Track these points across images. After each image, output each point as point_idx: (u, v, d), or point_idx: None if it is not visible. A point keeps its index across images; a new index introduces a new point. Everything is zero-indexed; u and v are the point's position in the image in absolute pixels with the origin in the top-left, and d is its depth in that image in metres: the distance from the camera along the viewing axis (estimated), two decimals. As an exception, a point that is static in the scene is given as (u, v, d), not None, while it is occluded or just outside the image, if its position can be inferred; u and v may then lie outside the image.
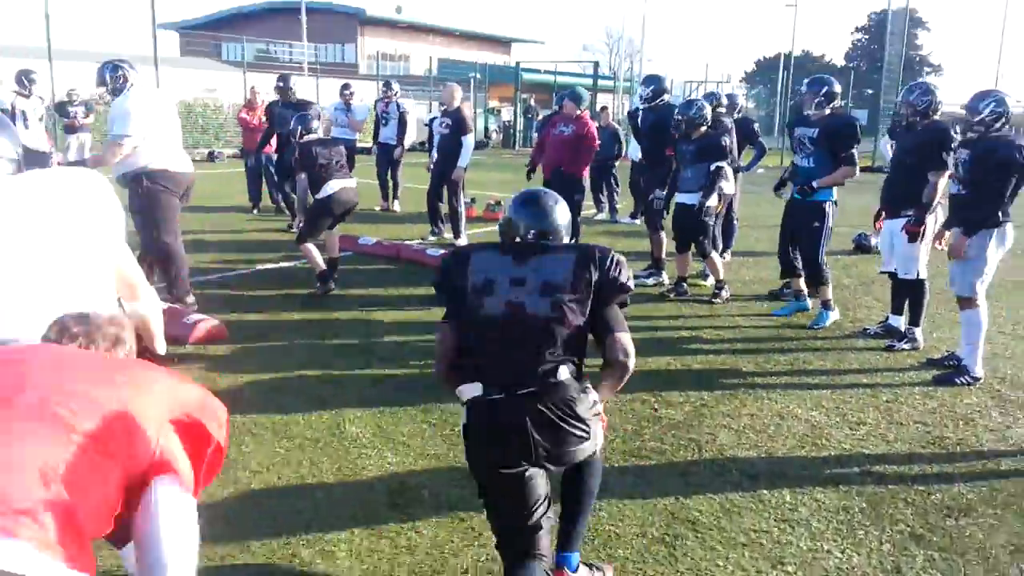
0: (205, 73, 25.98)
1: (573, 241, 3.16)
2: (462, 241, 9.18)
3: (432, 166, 9.35)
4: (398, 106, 11.14)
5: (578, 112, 7.84)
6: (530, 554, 2.47)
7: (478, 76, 29.10)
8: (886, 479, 3.69)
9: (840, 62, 56.15)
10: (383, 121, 11.40)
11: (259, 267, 7.79)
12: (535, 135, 8.87)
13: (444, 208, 9.39)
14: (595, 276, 2.60)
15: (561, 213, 2.80)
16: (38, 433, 1.50)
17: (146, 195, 5.55)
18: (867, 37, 58.18)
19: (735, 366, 5.25)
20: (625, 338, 2.60)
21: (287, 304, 6.43)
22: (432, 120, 9.66)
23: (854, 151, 5.93)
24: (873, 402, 4.66)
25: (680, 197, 6.87)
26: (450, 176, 8.95)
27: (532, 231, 2.73)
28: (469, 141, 8.96)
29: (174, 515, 1.65)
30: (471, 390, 2.55)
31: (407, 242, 8.79)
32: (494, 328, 2.54)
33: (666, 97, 7.50)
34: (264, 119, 10.41)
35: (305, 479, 3.55)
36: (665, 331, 6.03)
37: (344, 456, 3.78)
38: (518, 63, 31.37)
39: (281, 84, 9.37)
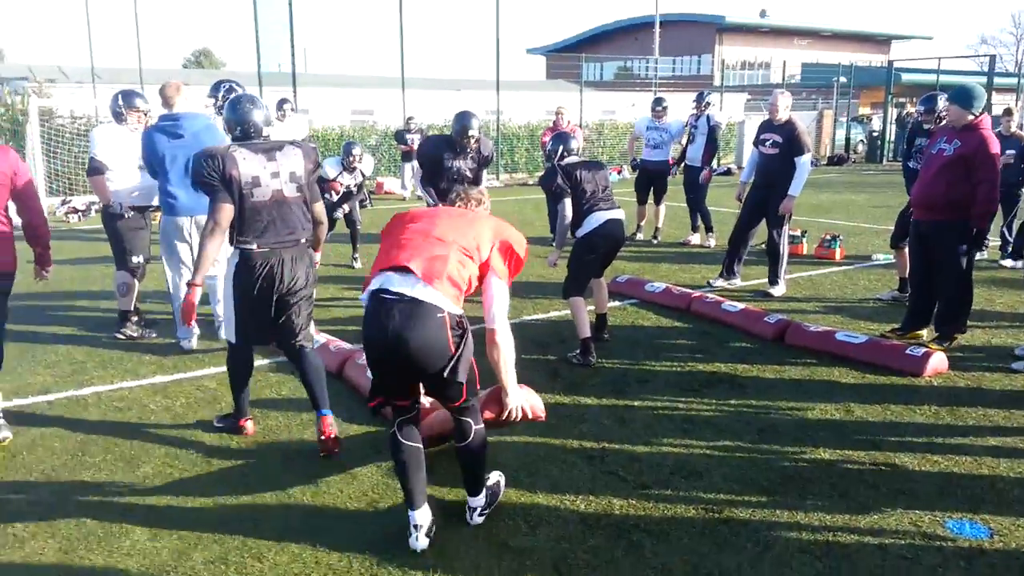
0: (560, 95, 26.27)
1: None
2: (778, 290, 7.34)
3: (745, 194, 7.56)
4: (708, 120, 9.57)
5: (969, 118, 5.38)
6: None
7: (842, 79, 25.95)
8: None
9: None
10: (691, 138, 9.88)
11: (529, 317, 6.77)
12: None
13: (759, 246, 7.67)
14: (312, 165, 4.04)
15: (261, 108, 4.02)
16: (440, 246, 3.12)
17: None
18: None
19: None
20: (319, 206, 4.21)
21: (536, 372, 5.32)
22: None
23: None
24: None
25: None
26: (775, 208, 7.16)
27: (255, 128, 3.96)
28: (805, 163, 7.03)
29: (497, 289, 3.20)
30: (251, 243, 3.86)
31: (703, 291, 7.20)
32: (265, 209, 3.85)
33: None
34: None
35: None
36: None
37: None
38: (891, 61, 27.42)
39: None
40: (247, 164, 3.80)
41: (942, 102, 6.17)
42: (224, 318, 4.12)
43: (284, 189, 3.90)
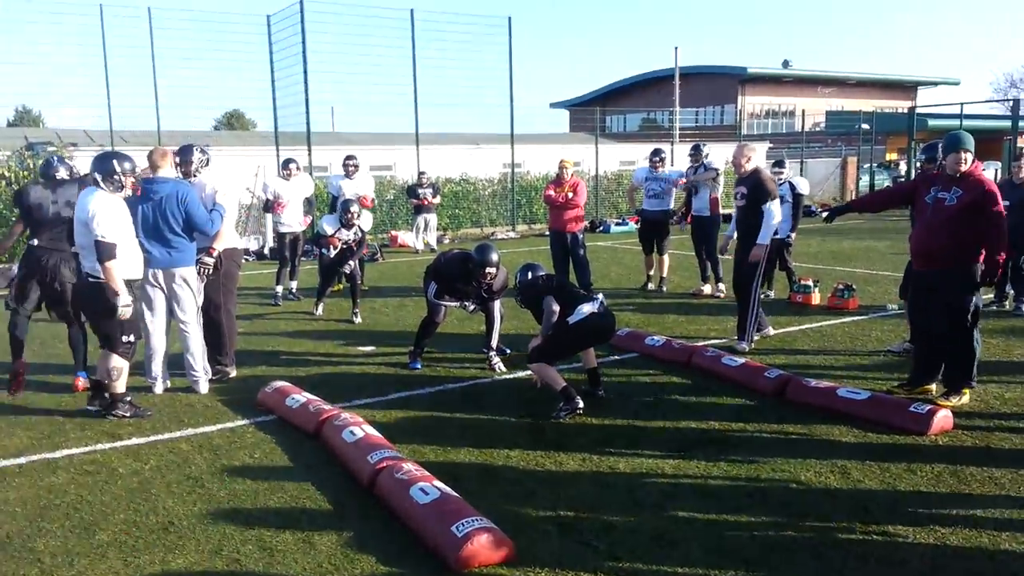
0: (580, 147, 26.33)
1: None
2: (744, 346, 7.03)
3: (728, 247, 7.52)
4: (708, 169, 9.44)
5: (964, 166, 5.23)
6: None
7: (865, 127, 25.77)
8: None
9: None
10: (694, 190, 9.72)
11: (522, 373, 6.57)
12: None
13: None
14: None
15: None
16: None
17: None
18: None
19: None
20: None
21: (519, 432, 5.12)
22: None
23: None
24: None
25: None
26: (746, 259, 6.96)
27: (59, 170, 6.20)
28: (773, 211, 6.85)
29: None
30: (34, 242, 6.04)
31: (705, 345, 6.96)
32: (49, 223, 5.96)
33: None
34: (570, 195, 9.44)
35: None
36: None
37: None
38: (912, 108, 27.25)
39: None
40: (35, 195, 5.98)
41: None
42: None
43: (61, 211, 5.94)
